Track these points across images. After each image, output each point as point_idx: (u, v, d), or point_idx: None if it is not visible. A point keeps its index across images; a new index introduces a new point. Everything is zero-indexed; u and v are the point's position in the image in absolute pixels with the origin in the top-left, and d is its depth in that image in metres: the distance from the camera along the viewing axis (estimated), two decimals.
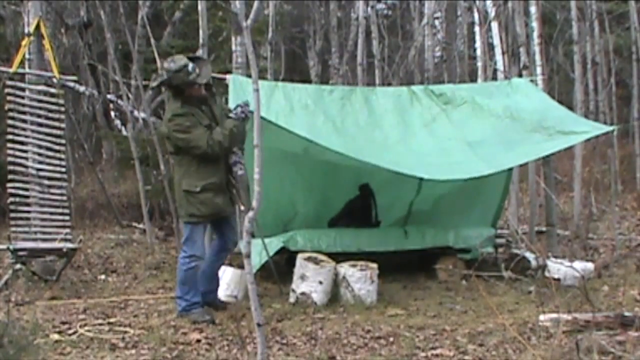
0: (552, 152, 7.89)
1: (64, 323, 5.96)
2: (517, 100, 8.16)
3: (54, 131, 7.48)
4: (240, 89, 7.16)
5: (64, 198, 7.53)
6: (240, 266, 6.76)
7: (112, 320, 6.11)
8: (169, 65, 6.05)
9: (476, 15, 11.25)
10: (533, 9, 9.58)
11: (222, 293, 6.85)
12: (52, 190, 7.43)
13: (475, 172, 7.39)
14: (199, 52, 8.27)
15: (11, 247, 7.03)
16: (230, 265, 7.38)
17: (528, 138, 7.67)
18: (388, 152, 7.51)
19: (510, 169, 8.78)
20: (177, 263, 8.28)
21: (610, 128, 8.32)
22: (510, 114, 7.95)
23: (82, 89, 12.80)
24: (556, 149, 7.77)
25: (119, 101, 12.28)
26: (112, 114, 13.63)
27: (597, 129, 8.31)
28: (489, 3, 10.50)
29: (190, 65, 6.06)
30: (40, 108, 7.45)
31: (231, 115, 6.22)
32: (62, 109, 7.62)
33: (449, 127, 7.91)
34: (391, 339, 5.52)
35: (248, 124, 6.21)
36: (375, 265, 6.92)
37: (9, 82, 7.36)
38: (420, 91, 8.32)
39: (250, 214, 3.93)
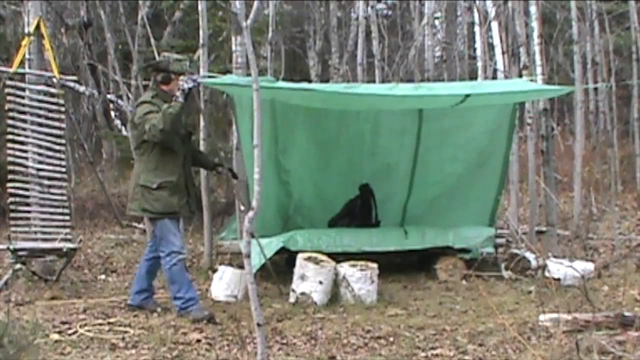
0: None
1: (64, 323, 5.95)
2: (510, 86, 8.25)
3: (54, 131, 7.47)
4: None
5: (64, 198, 7.52)
6: (240, 266, 6.77)
7: (112, 320, 6.10)
8: (171, 54, 6.43)
9: (476, 15, 11.24)
10: (533, 9, 9.56)
11: (222, 293, 6.86)
12: (52, 190, 7.42)
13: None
14: (199, 52, 8.27)
15: (11, 247, 7.02)
16: (230, 265, 7.39)
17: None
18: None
19: (506, 164, 8.78)
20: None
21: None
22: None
23: (82, 89, 12.79)
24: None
25: (119, 101, 12.28)
26: (112, 114, 13.63)
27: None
28: (489, 3, 10.49)
29: (189, 63, 6.30)
30: (40, 108, 7.44)
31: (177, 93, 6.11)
32: (62, 109, 7.61)
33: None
34: (391, 339, 5.53)
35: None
36: (375, 265, 6.92)
37: (9, 82, 7.34)
38: (407, 85, 8.48)
39: (250, 213, 3.92)
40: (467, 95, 7.58)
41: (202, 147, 8.27)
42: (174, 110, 5.98)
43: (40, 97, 7.46)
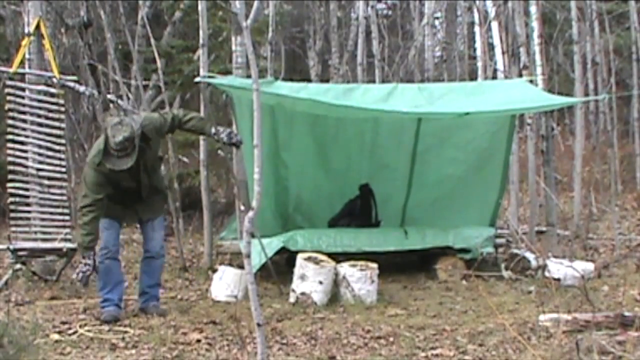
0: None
1: (64, 323, 5.96)
2: (510, 94, 8.13)
3: (54, 131, 7.47)
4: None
5: (64, 198, 7.53)
6: (240, 266, 6.78)
7: None
8: (116, 127, 5.93)
9: (476, 15, 11.24)
10: (533, 9, 9.56)
11: (222, 293, 6.87)
12: (52, 190, 7.42)
13: (463, 109, 7.60)
14: (199, 52, 8.26)
15: (11, 247, 7.03)
16: (230, 265, 7.39)
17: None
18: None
19: (506, 168, 8.77)
20: (177, 263, 8.33)
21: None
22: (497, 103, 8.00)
23: (82, 89, 12.76)
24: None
25: (119, 101, 12.27)
26: None
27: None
28: (489, 3, 10.50)
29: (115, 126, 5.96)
30: (40, 108, 7.44)
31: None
32: (62, 109, 7.61)
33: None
34: (391, 339, 5.52)
35: None
36: (375, 265, 6.92)
37: (9, 82, 7.34)
38: (407, 87, 8.40)
39: (250, 213, 3.92)
40: (467, 113, 7.58)
41: (202, 147, 8.29)
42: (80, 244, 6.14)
43: (40, 97, 7.46)
